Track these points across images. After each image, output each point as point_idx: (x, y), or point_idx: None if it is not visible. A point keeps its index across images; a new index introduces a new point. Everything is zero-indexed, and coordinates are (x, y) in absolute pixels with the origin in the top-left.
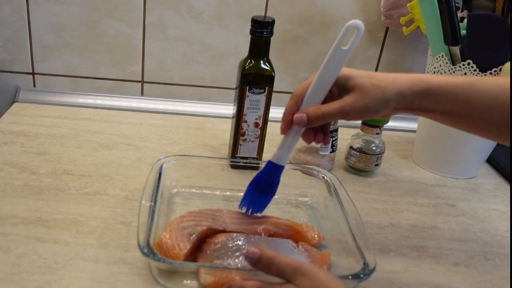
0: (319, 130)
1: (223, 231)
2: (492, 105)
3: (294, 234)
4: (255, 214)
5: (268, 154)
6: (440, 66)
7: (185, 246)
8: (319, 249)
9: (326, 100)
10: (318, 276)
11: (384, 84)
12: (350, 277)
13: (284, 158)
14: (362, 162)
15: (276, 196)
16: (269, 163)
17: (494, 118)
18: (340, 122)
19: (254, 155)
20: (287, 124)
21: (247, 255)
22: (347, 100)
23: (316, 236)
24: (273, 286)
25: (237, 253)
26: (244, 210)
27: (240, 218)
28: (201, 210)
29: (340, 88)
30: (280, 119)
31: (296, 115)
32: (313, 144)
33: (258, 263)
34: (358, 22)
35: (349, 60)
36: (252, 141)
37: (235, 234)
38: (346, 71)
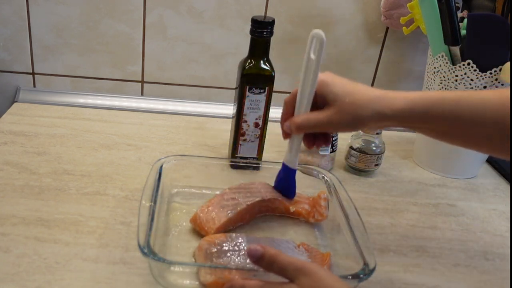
0: (320, 134)
1: (261, 201)
2: (479, 122)
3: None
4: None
5: (268, 154)
6: (440, 66)
7: (219, 221)
8: (319, 249)
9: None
10: (321, 276)
11: (361, 103)
12: (350, 277)
13: (293, 160)
14: (362, 162)
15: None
16: (283, 165)
17: (482, 133)
18: None
19: (254, 155)
20: (284, 130)
21: (249, 252)
22: (324, 114)
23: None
24: (274, 285)
25: (238, 253)
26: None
27: (272, 189)
28: (239, 185)
29: (323, 99)
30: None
31: (285, 124)
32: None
33: (261, 261)
34: (317, 31)
35: (350, 60)
36: (252, 141)
37: (234, 234)
38: (331, 81)
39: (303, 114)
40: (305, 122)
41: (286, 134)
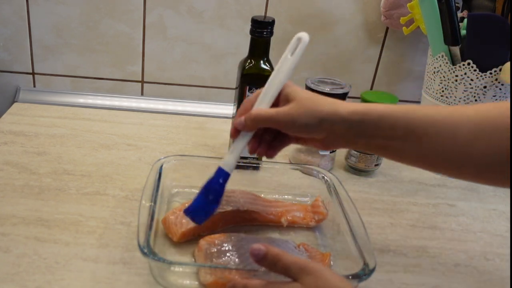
0: (265, 142)
1: (237, 211)
2: (431, 133)
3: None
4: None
5: None
6: (440, 66)
7: (186, 225)
8: (319, 249)
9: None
10: (325, 276)
11: (320, 102)
12: (350, 277)
13: (231, 164)
14: (362, 162)
15: (276, 196)
16: (218, 169)
17: (435, 148)
18: None
19: (254, 155)
20: (234, 128)
21: (252, 252)
22: (282, 108)
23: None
24: (278, 285)
25: (238, 253)
26: (188, 217)
27: (254, 198)
28: None
29: (284, 99)
30: None
31: (239, 119)
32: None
33: (264, 260)
34: (302, 33)
35: (350, 60)
36: None
37: (234, 234)
38: (294, 87)
39: (261, 108)
40: (262, 113)
41: (235, 132)
